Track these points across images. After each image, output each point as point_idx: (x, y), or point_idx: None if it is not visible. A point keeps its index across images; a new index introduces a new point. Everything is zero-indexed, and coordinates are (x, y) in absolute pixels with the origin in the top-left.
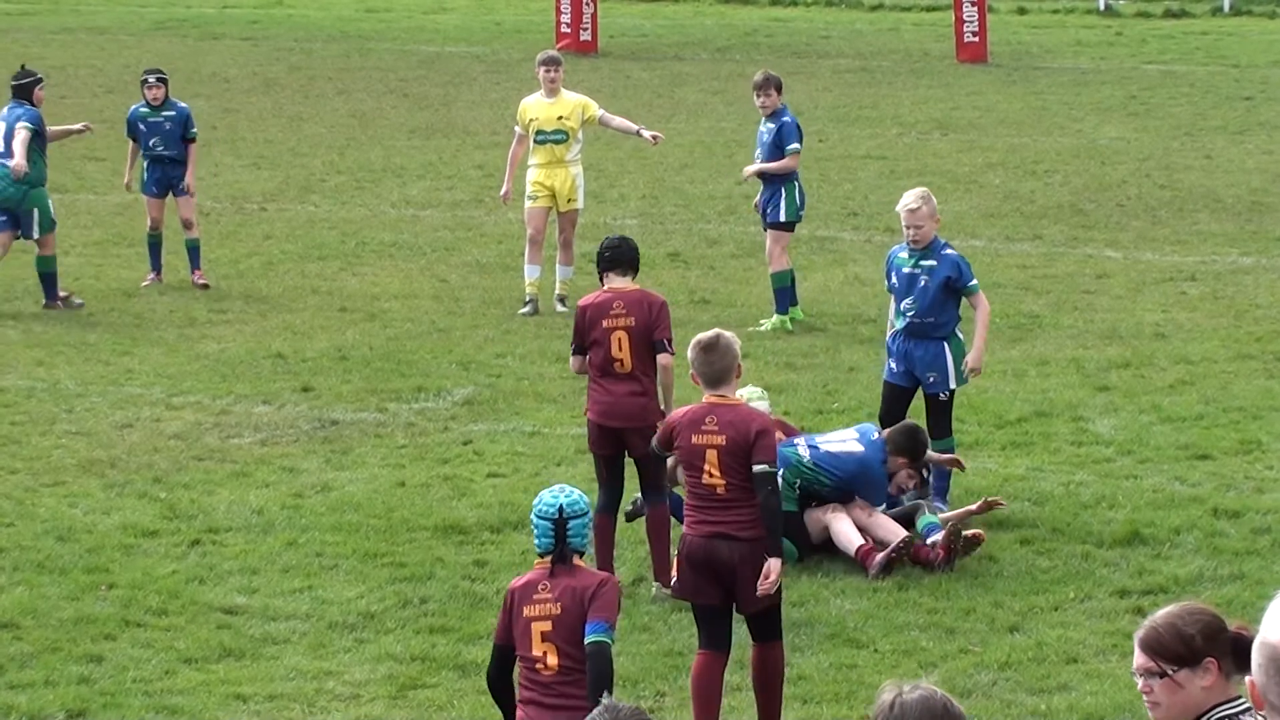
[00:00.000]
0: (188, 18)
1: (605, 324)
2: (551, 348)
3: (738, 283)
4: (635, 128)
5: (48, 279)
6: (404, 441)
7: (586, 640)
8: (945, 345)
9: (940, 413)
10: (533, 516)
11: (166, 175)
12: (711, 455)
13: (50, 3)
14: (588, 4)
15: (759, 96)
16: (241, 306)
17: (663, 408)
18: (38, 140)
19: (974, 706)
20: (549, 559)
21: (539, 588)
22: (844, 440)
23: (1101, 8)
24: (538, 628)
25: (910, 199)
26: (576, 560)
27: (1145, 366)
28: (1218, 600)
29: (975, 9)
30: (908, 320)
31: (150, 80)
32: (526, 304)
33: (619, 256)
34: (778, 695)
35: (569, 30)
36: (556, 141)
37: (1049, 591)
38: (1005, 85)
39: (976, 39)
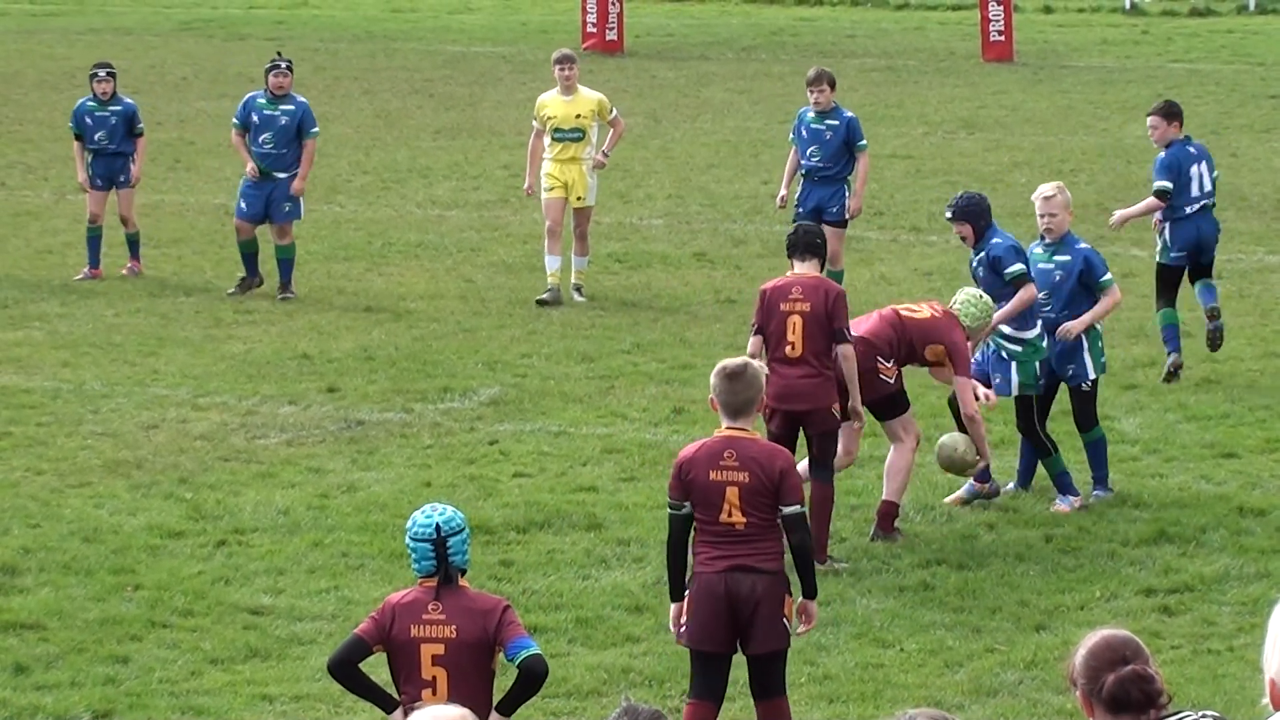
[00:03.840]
0: (213, 18)
1: (783, 307)
2: (577, 347)
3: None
4: (604, 148)
5: (285, 265)
6: (430, 442)
7: (521, 657)
8: (1082, 337)
9: (1084, 403)
10: (408, 540)
11: (110, 169)
12: (731, 493)
13: (76, 3)
14: (613, 4)
15: (813, 92)
16: (267, 307)
17: (851, 400)
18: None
19: (1000, 705)
20: (433, 580)
21: (428, 608)
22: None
23: (1127, 6)
24: (429, 650)
25: (1046, 187)
26: (460, 580)
27: None
28: (1243, 599)
29: (1001, 8)
30: (1046, 317)
31: (100, 75)
32: (547, 292)
33: (811, 242)
34: None
35: (595, 30)
36: (573, 139)
37: (1075, 590)
38: (1031, 84)
39: (1002, 38)
